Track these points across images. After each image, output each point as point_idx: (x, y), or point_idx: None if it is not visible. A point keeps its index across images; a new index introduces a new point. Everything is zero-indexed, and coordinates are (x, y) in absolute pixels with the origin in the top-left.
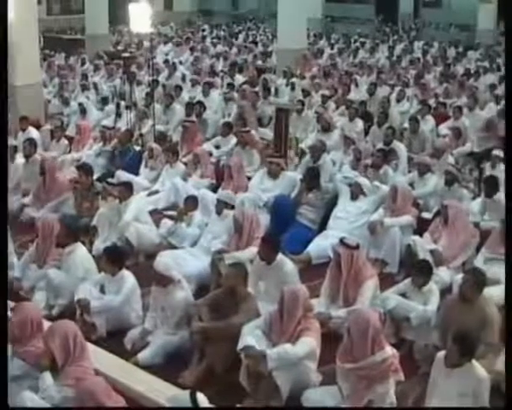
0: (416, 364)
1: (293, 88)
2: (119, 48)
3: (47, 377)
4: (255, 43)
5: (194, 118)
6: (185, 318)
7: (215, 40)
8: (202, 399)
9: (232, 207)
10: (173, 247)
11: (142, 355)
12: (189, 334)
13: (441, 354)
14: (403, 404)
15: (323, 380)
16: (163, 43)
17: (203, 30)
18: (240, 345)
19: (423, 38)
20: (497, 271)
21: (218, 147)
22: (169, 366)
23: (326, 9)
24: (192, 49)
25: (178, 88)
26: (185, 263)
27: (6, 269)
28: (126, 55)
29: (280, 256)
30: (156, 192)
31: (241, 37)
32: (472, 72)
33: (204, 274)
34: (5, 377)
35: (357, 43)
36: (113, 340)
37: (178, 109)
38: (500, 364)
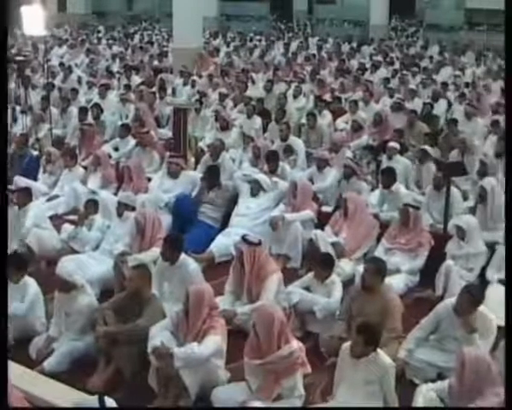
0: (323, 355)
1: (193, 85)
2: (13, 51)
3: None
4: (151, 43)
5: (91, 120)
6: (90, 323)
7: (110, 41)
8: (111, 403)
9: (133, 209)
10: (75, 251)
11: (48, 363)
12: (94, 339)
13: (347, 344)
14: (311, 396)
15: (232, 377)
16: (58, 45)
17: (98, 31)
18: (149, 347)
19: (318, 34)
20: (398, 260)
21: (116, 149)
22: (76, 373)
23: (221, 8)
24: (87, 51)
25: (74, 91)
26: (88, 267)
27: (6, 269)
28: (20, 58)
29: (183, 256)
30: (56, 197)
31: (136, 37)
32: (366, 66)
33: (107, 278)
34: (5, 377)
35: (254, 41)
36: (18, 349)
37: (75, 112)
38: (403, 351)
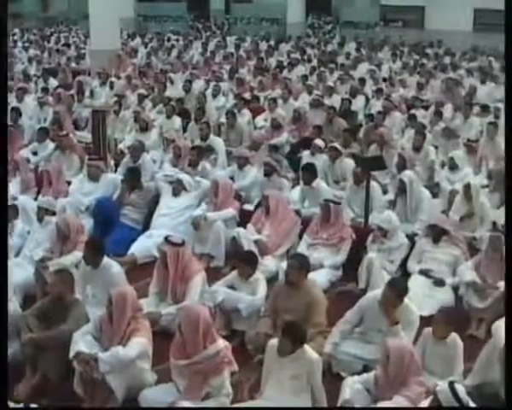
0: (249, 353)
1: (111, 87)
2: None
3: None
4: (68, 45)
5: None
6: (14, 330)
7: (26, 44)
8: None
9: (53, 214)
10: None
11: None
12: (19, 346)
13: (273, 341)
14: (239, 393)
15: (159, 379)
16: None
17: (13, 34)
18: (71, 352)
19: (236, 33)
20: (320, 256)
21: (35, 153)
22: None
23: (138, 9)
24: None
25: None
26: (10, 274)
27: (6, 267)
28: None
29: (106, 259)
30: None
31: (53, 40)
32: (284, 64)
33: (29, 284)
34: (5, 377)
35: (171, 41)
36: None
37: None
38: (328, 345)
